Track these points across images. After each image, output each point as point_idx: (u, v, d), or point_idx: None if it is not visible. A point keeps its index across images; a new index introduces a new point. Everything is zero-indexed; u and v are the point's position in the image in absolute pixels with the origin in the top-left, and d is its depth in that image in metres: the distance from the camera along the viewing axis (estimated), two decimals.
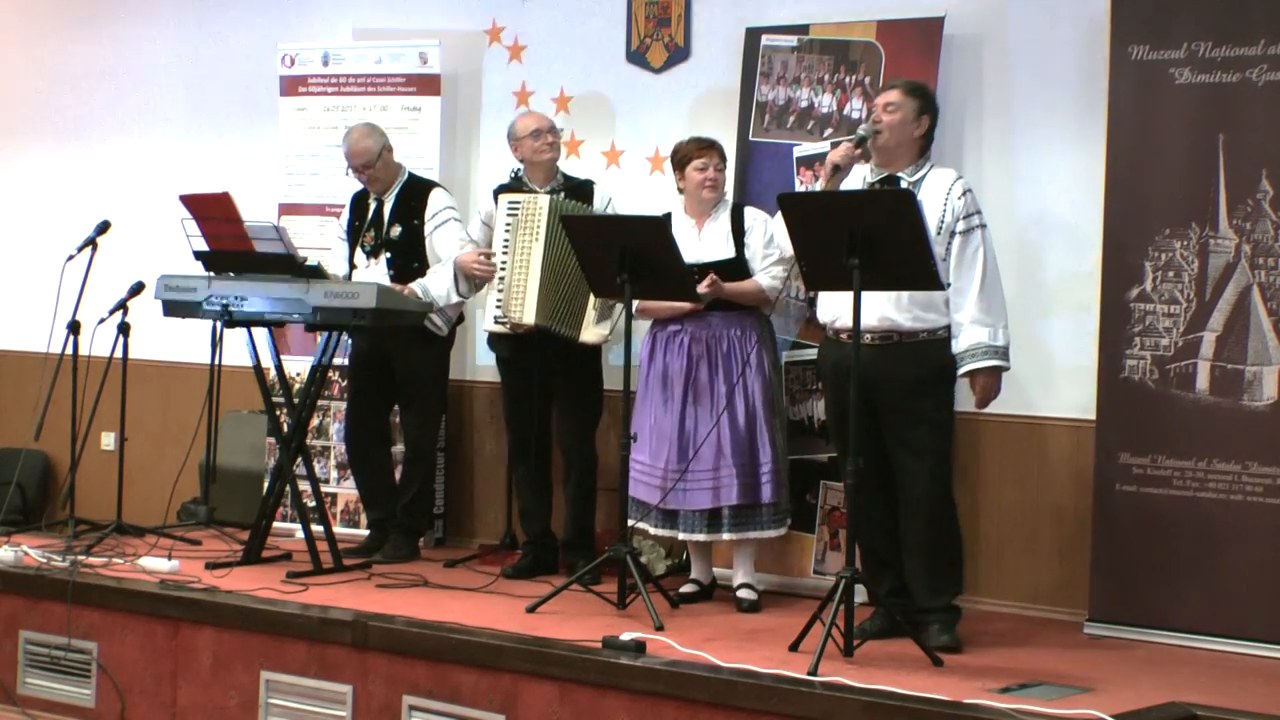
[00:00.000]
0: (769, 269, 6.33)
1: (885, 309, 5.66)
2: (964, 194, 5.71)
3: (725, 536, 6.31)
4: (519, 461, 6.99)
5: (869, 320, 5.62)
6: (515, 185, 6.89)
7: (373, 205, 7.21)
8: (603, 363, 6.91)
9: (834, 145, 6.32)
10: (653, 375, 6.40)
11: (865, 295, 5.55)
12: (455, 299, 6.97)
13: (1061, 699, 4.93)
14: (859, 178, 5.86)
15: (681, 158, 6.43)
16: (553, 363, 6.75)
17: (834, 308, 5.79)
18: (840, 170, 5.72)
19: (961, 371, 5.70)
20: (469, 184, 7.84)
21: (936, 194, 5.71)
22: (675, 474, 6.26)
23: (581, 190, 6.87)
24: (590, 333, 6.68)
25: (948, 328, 5.71)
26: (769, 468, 6.25)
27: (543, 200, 6.69)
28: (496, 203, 6.85)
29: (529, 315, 6.64)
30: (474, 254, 6.89)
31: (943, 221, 5.67)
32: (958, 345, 5.68)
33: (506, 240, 6.74)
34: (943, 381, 5.74)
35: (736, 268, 6.30)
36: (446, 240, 7.03)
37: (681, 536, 6.39)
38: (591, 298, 6.59)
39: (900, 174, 5.77)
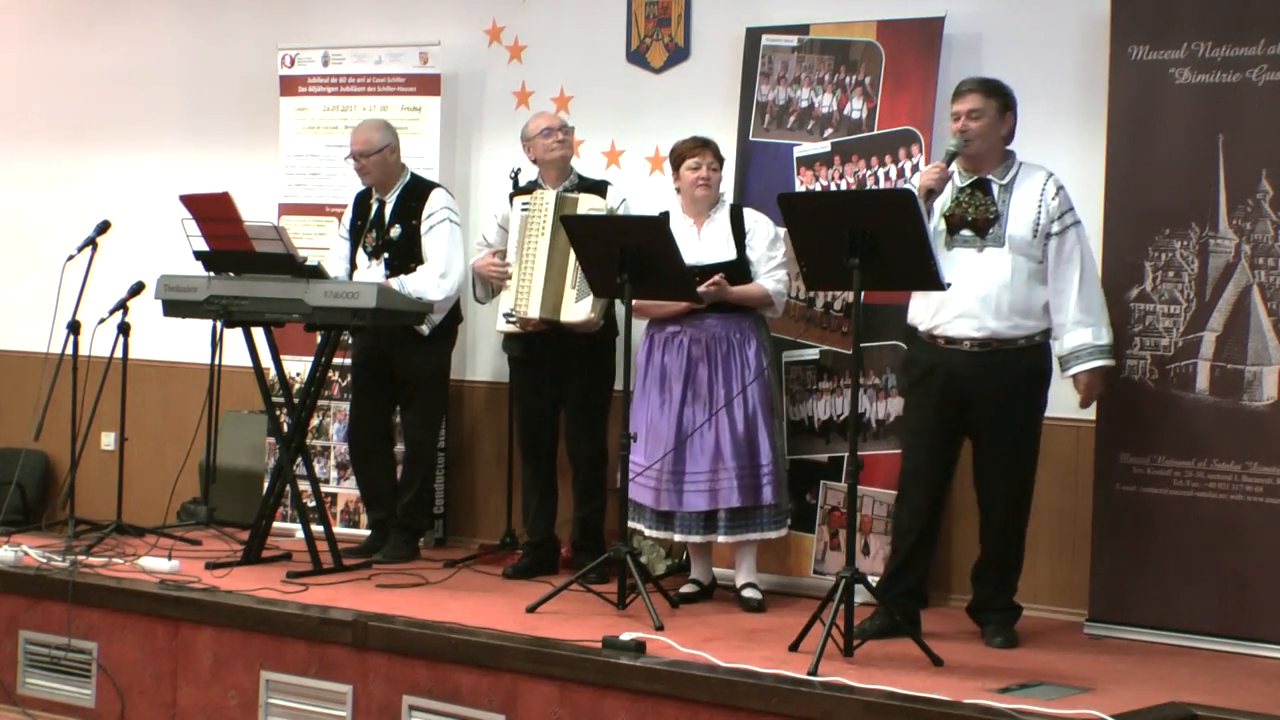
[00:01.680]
0: (773, 272, 6.32)
1: (983, 318, 5.66)
2: (1057, 192, 5.69)
3: (720, 538, 6.31)
4: (526, 461, 6.99)
5: (967, 329, 5.65)
6: (530, 188, 6.89)
7: (375, 206, 7.21)
8: (617, 362, 6.89)
9: (831, 151, 6.34)
10: (650, 376, 6.40)
11: (960, 304, 5.62)
12: (431, 299, 6.94)
13: (1061, 699, 4.93)
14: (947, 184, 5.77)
15: (676, 157, 6.43)
16: (562, 362, 6.74)
17: (928, 311, 5.76)
18: (934, 193, 5.63)
19: (1069, 373, 5.74)
20: (469, 184, 7.84)
21: (1030, 196, 5.69)
22: (670, 476, 6.25)
23: (595, 190, 6.84)
24: (571, 312, 6.64)
25: (1046, 332, 5.73)
26: (769, 469, 6.24)
27: (549, 197, 6.69)
28: (512, 205, 6.85)
29: (534, 309, 6.64)
30: (488, 257, 6.89)
31: (1038, 224, 5.66)
32: (1061, 347, 5.72)
33: (519, 239, 6.76)
34: (1037, 389, 5.79)
35: (737, 269, 6.30)
36: (436, 241, 7.03)
37: (678, 538, 6.38)
38: (569, 276, 6.58)
39: (990, 176, 5.73)
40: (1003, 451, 5.76)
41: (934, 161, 5.85)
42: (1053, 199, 5.68)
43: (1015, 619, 5.88)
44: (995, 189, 5.71)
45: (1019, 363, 5.71)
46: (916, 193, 5.56)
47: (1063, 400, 6.39)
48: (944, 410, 5.75)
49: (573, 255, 6.45)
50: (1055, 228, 5.67)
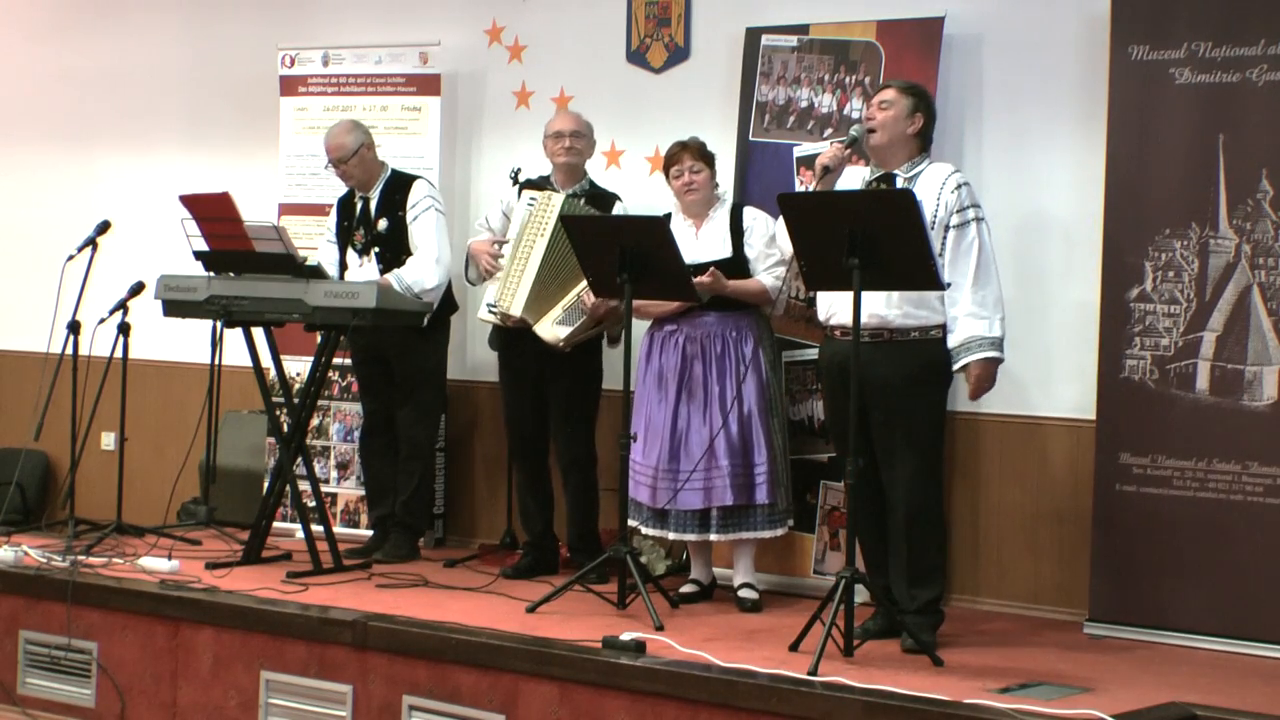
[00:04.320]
0: (772, 269, 6.33)
1: (875, 305, 5.63)
2: (957, 188, 5.66)
3: (713, 537, 6.30)
4: (517, 460, 7.00)
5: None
6: (541, 184, 6.89)
7: (359, 204, 7.22)
8: (603, 362, 6.90)
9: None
10: (649, 375, 6.41)
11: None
12: (429, 286, 6.96)
13: (1061, 699, 4.93)
14: (859, 178, 5.85)
15: (665, 165, 6.46)
16: (546, 360, 6.74)
17: (829, 304, 5.80)
18: (830, 172, 5.69)
19: (957, 366, 5.65)
20: (469, 184, 7.85)
21: (930, 190, 5.67)
22: (666, 474, 6.26)
23: (603, 201, 6.83)
24: (546, 329, 6.65)
25: (943, 326, 5.66)
26: (764, 469, 6.23)
27: (557, 199, 6.69)
28: (519, 197, 6.86)
29: (517, 307, 6.65)
30: (487, 243, 6.88)
31: (935, 217, 5.63)
32: (953, 340, 5.64)
33: (518, 233, 6.76)
34: (932, 381, 5.69)
35: (734, 267, 6.30)
36: (424, 228, 7.05)
37: (672, 536, 6.38)
38: (565, 299, 6.59)
39: (896, 172, 5.76)
40: (894, 447, 5.65)
41: (836, 141, 5.87)
42: (951, 192, 5.65)
43: (934, 624, 5.69)
44: (899, 183, 5.72)
45: (912, 355, 5.65)
46: (815, 170, 5.67)
47: (1063, 400, 6.41)
48: (844, 400, 5.61)
49: (579, 286, 6.48)
50: (954, 220, 5.64)
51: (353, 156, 7.11)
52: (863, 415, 5.61)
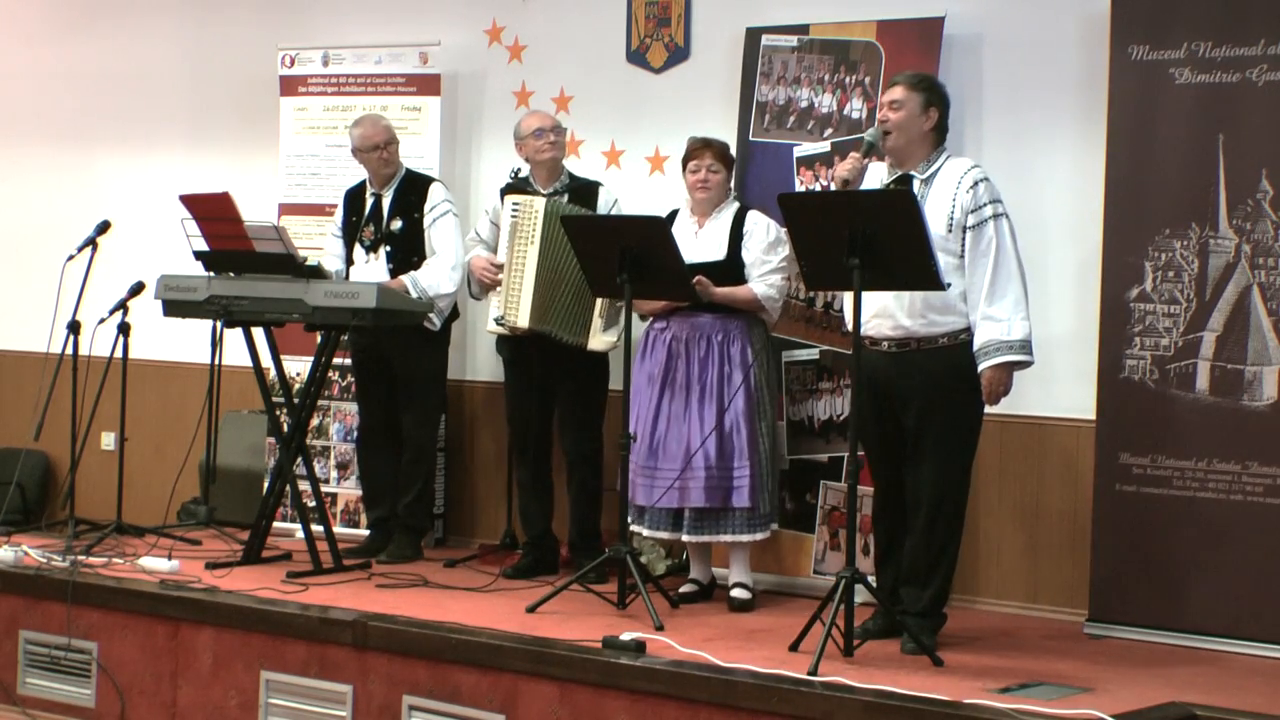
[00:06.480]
0: (765, 276, 6.29)
1: (897, 316, 5.57)
2: (974, 185, 5.55)
3: (684, 537, 6.31)
4: (519, 461, 6.99)
5: (884, 329, 5.60)
6: (521, 185, 6.89)
7: (370, 200, 7.21)
8: (609, 362, 6.90)
9: (831, 151, 6.35)
10: (642, 373, 6.40)
11: (878, 302, 5.55)
12: (445, 292, 6.97)
13: (1061, 699, 4.93)
14: (876, 180, 5.74)
15: (684, 157, 6.44)
16: (554, 362, 6.74)
17: (851, 312, 5.73)
18: (850, 184, 5.58)
19: (979, 369, 5.55)
20: (469, 184, 7.84)
21: (946, 189, 5.58)
22: (644, 470, 6.25)
23: (585, 191, 6.85)
24: (598, 340, 6.65)
25: (969, 329, 5.58)
26: (745, 473, 6.19)
27: (539, 204, 6.67)
28: (503, 202, 6.85)
29: (523, 319, 6.63)
30: (485, 260, 6.86)
31: (952, 217, 5.54)
32: (974, 345, 5.56)
33: (507, 243, 6.76)
34: (963, 388, 5.58)
35: (729, 270, 6.28)
36: (443, 234, 7.05)
37: (646, 533, 6.37)
38: (598, 305, 6.58)
39: (913, 173, 5.66)
40: (925, 455, 5.60)
41: (852, 152, 5.79)
42: (967, 191, 5.54)
43: (936, 626, 5.68)
44: (916, 185, 5.62)
45: (941, 362, 5.57)
46: (834, 184, 5.59)
47: (1062, 400, 6.41)
48: (875, 407, 5.62)
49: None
50: (971, 220, 5.53)
51: (395, 140, 7.12)
52: (892, 423, 5.63)
